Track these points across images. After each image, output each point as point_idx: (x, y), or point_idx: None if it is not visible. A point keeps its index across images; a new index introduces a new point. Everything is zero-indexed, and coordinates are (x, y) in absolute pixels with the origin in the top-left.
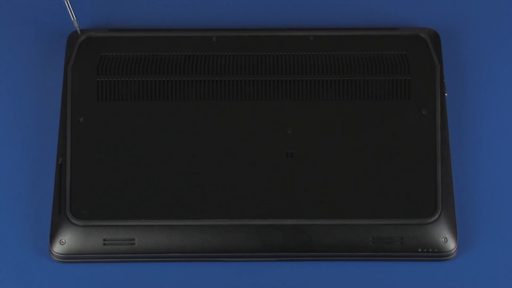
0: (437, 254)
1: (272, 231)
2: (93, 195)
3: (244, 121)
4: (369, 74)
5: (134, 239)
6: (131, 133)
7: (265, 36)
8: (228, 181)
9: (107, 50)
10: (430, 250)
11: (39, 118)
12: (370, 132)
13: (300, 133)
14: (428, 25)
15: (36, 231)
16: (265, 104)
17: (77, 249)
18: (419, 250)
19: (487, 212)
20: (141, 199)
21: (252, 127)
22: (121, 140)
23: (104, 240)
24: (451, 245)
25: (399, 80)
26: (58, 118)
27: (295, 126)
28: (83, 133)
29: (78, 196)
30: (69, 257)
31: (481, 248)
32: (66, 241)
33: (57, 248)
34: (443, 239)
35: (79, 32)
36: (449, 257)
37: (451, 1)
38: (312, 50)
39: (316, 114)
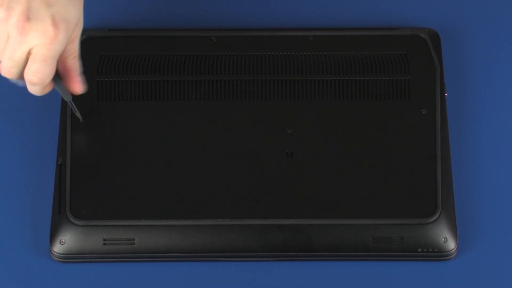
0: (437, 254)
1: (272, 231)
2: (93, 195)
3: (244, 121)
4: (369, 74)
5: (134, 239)
6: (131, 133)
7: (265, 36)
8: (228, 181)
9: (107, 50)
10: (430, 250)
11: (39, 118)
12: (370, 132)
13: (300, 133)
14: (428, 25)
15: (36, 231)
16: (265, 104)
17: (77, 249)
18: (419, 250)
19: (487, 212)
20: (141, 199)
21: (252, 127)
22: (121, 140)
23: (104, 240)
24: (451, 245)
25: (399, 80)
26: (58, 118)
27: (295, 126)
28: (83, 133)
29: (78, 196)
30: (69, 257)
31: (481, 248)
32: (66, 241)
33: (57, 248)
34: (443, 239)
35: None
36: (449, 257)
37: (451, 1)
38: (312, 50)
39: (316, 114)
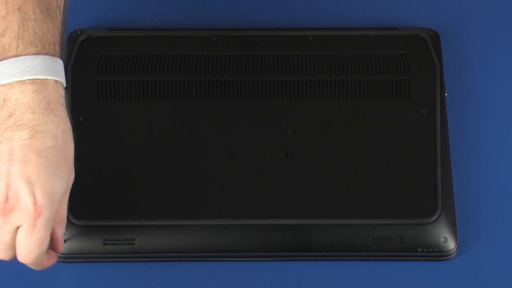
0: (437, 254)
1: (272, 231)
2: (93, 195)
3: (244, 121)
4: (369, 74)
5: (134, 239)
6: (131, 133)
7: (265, 36)
8: (228, 181)
9: (107, 50)
10: (430, 250)
11: None
12: (370, 132)
13: (300, 133)
14: (428, 25)
15: None
16: (265, 104)
17: (77, 249)
18: (419, 250)
19: (487, 212)
20: (141, 199)
21: (252, 127)
22: (121, 140)
23: (104, 240)
24: (451, 245)
25: (399, 80)
26: None
27: (295, 126)
28: (83, 133)
29: (78, 196)
30: (69, 257)
31: (481, 248)
32: (66, 240)
33: None
34: (443, 239)
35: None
36: (449, 257)
37: (451, 1)
38: (312, 50)
39: (316, 114)
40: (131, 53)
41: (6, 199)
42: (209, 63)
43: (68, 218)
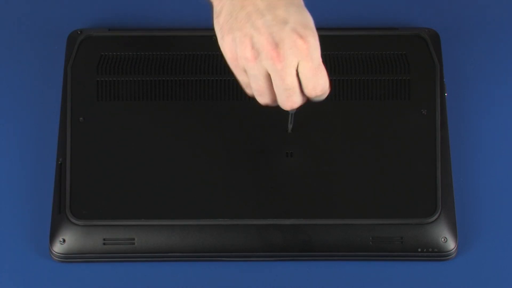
0: (437, 254)
1: (272, 231)
2: (93, 195)
3: (244, 121)
4: (369, 74)
5: (134, 239)
6: (131, 133)
7: None
8: (228, 181)
9: (107, 50)
10: (430, 250)
11: (39, 118)
12: (370, 132)
13: (300, 133)
14: (428, 25)
15: (36, 231)
16: None
17: (77, 248)
18: (419, 250)
19: (487, 212)
20: (141, 199)
21: (252, 127)
22: (121, 140)
23: (104, 240)
24: (451, 245)
25: (399, 80)
26: (58, 118)
27: (295, 126)
28: (83, 133)
29: (78, 196)
30: (69, 257)
31: (481, 248)
32: (66, 240)
33: (57, 248)
34: (443, 239)
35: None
36: (449, 257)
37: (451, 1)
38: None
39: (316, 114)
40: (131, 53)
41: (276, 46)
42: (209, 63)
43: (68, 218)
